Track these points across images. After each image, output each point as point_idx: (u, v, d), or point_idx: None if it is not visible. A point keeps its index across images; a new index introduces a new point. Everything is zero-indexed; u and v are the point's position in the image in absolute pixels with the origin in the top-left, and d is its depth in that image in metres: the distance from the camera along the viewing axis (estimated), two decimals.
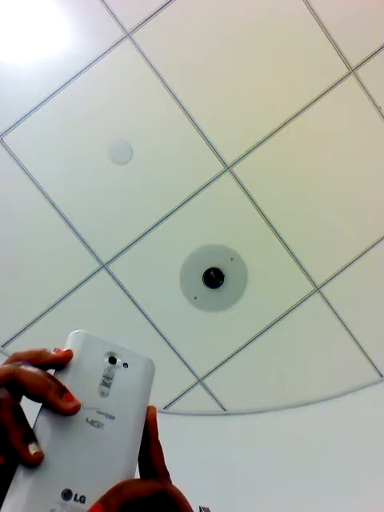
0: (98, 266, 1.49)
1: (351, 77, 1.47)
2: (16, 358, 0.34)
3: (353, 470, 1.23)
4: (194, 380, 1.53)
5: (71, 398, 0.32)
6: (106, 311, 1.52)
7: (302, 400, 1.52)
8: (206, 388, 1.53)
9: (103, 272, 1.49)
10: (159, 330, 1.51)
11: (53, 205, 1.47)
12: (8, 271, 1.50)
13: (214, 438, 1.45)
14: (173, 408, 1.51)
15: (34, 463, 0.30)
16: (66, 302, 1.49)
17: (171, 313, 1.53)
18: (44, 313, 1.49)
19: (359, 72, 1.47)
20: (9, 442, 0.30)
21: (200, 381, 1.53)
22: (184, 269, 1.51)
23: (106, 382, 0.35)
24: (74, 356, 0.35)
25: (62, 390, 0.33)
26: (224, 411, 1.53)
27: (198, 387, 1.53)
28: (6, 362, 0.34)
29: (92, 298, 1.50)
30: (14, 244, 1.50)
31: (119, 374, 0.36)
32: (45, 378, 0.32)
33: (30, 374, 0.32)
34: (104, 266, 1.49)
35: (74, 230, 1.48)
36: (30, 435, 0.31)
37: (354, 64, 1.47)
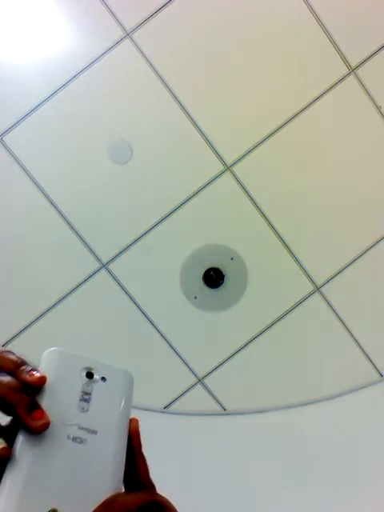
0: (97, 265, 1.49)
1: (351, 77, 1.47)
2: None
3: (353, 469, 1.23)
4: (194, 380, 1.53)
5: (40, 416, 0.32)
6: (105, 311, 1.52)
7: (301, 400, 1.52)
8: (206, 388, 1.53)
9: (103, 272, 1.49)
10: (159, 329, 1.51)
11: (53, 204, 1.47)
12: (8, 271, 1.50)
13: (214, 438, 1.45)
14: (173, 408, 1.51)
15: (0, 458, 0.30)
16: (66, 301, 1.49)
17: (171, 313, 1.53)
18: (44, 313, 1.49)
19: (359, 72, 1.47)
20: None
21: (200, 381, 1.53)
22: (184, 269, 1.51)
23: (85, 397, 0.35)
24: (50, 375, 0.35)
25: (33, 406, 0.32)
26: (224, 411, 1.53)
27: (198, 387, 1.53)
28: None
29: (92, 297, 1.50)
30: (14, 244, 1.50)
31: (98, 388, 0.36)
32: (17, 390, 0.32)
33: (2, 384, 0.32)
34: (104, 266, 1.49)
35: (73, 229, 1.48)
36: None
37: (354, 64, 1.46)
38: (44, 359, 0.36)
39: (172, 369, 1.52)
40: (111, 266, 1.49)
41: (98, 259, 1.49)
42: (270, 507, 1.16)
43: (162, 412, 1.50)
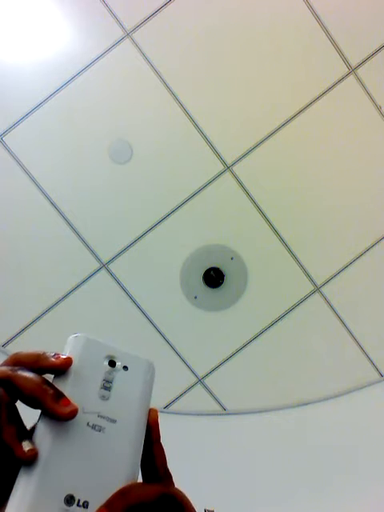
0: (97, 265, 1.49)
1: (351, 77, 1.47)
2: (15, 359, 0.34)
3: (353, 469, 1.23)
4: (194, 380, 1.53)
5: (67, 403, 0.32)
6: (106, 311, 1.52)
7: (302, 400, 1.52)
8: (206, 388, 1.53)
9: (103, 272, 1.49)
10: (159, 329, 1.51)
11: (53, 205, 1.47)
12: (8, 271, 1.50)
13: (214, 437, 1.45)
14: (173, 408, 1.51)
15: (28, 460, 0.30)
16: (66, 301, 1.49)
17: (171, 312, 1.53)
18: (44, 313, 1.49)
19: (359, 72, 1.47)
20: (2, 439, 0.30)
21: (200, 381, 1.53)
22: (184, 268, 1.51)
23: (107, 385, 0.35)
24: (73, 361, 0.35)
25: (59, 395, 0.32)
26: (224, 411, 1.53)
27: (198, 387, 1.53)
28: (6, 363, 0.34)
29: (92, 297, 1.50)
30: (14, 244, 1.50)
31: (119, 377, 0.36)
32: (41, 383, 0.32)
33: (26, 379, 0.32)
34: (104, 266, 1.49)
35: (74, 229, 1.48)
36: (23, 433, 0.31)
37: (354, 64, 1.47)
38: (68, 345, 0.36)
39: (172, 369, 1.52)
40: (111, 266, 1.49)
41: (98, 259, 1.49)
42: (270, 507, 1.16)
43: (162, 412, 1.50)
